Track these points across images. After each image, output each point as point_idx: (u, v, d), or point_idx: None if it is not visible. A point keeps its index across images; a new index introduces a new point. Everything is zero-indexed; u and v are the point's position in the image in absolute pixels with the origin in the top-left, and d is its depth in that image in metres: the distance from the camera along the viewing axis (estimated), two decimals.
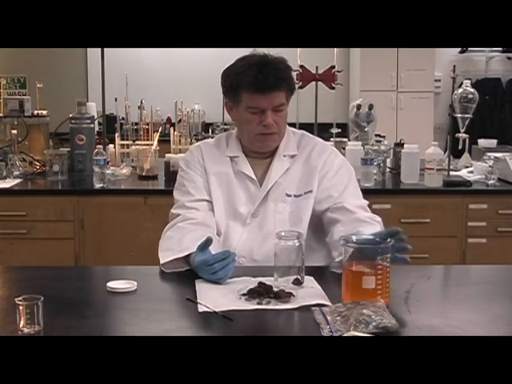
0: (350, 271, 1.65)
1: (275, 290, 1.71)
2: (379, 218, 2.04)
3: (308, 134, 2.22)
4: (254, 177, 2.10)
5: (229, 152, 2.14)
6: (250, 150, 2.12)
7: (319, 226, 2.10)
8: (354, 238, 1.68)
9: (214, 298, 1.70)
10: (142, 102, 4.35)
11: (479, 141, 4.44)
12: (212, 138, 3.67)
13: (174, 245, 1.95)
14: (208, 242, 1.85)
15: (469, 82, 3.93)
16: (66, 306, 1.67)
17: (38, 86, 3.95)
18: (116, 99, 4.14)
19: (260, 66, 1.98)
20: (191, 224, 2.02)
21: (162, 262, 1.93)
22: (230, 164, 2.13)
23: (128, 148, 3.98)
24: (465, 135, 3.92)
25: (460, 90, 3.86)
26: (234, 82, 2.02)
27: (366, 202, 2.12)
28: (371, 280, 1.62)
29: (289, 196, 2.09)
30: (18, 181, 3.54)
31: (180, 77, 6.30)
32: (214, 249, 1.87)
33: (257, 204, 2.08)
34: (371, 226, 1.94)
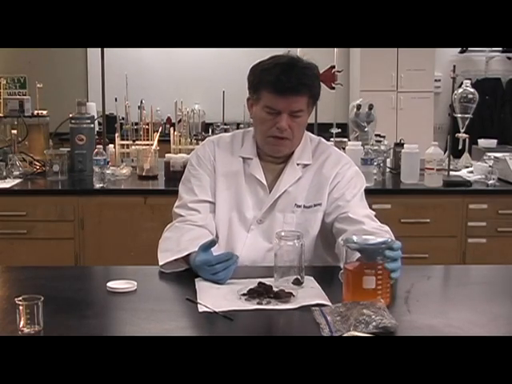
0: (350, 271, 1.65)
1: (275, 290, 1.71)
2: (387, 228, 1.97)
3: (325, 141, 2.18)
4: (264, 182, 2.06)
5: (243, 152, 2.10)
6: (264, 152, 2.08)
7: (331, 239, 2.05)
8: (355, 239, 1.68)
9: (214, 298, 1.70)
10: (142, 102, 4.35)
11: (479, 141, 4.44)
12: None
13: (173, 245, 1.95)
14: (212, 243, 1.85)
15: (469, 81, 3.93)
16: (66, 306, 1.67)
17: (38, 86, 3.95)
18: (116, 99, 4.14)
19: (285, 66, 1.94)
20: (190, 225, 2.02)
21: (161, 263, 1.93)
22: (242, 165, 2.09)
23: (128, 148, 3.97)
24: (465, 135, 3.92)
25: (460, 90, 3.86)
26: (257, 79, 1.98)
27: (373, 213, 2.06)
28: (371, 280, 1.62)
29: (298, 207, 2.04)
30: (18, 181, 3.54)
31: (180, 77, 6.30)
32: (213, 251, 1.87)
33: (264, 210, 2.05)
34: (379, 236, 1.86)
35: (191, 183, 2.10)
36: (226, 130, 4.24)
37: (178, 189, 2.15)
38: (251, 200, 2.06)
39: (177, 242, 1.95)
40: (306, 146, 2.10)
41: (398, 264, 1.69)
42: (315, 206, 2.05)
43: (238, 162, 2.09)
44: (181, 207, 2.09)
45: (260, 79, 1.97)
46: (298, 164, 2.07)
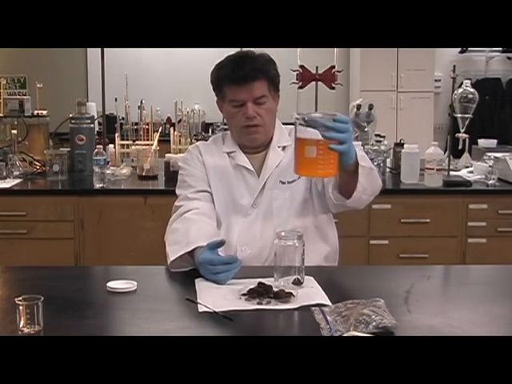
0: (296, 141, 1.77)
1: (275, 290, 1.71)
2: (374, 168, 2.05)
3: None
4: (251, 168, 2.15)
5: (225, 148, 2.19)
6: (244, 145, 2.17)
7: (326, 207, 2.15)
8: (305, 113, 1.77)
9: (214, 298, 1.70)
10: (142, 102, 4.35)
11: (479, 141, 4.44)
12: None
13: (181, 237, 1.96)
14: (220, 243, 1.88)
15: (469, 81, 3.93)
16: (66, 306, 1.67)
17: (38, 86, 3.95)
18: (116, 99, 4.14)
19: (238, 59, 2.08)
20: (195, 214, 2.06)
21: (171, 258, 1.93)
22: (228, 159, 2.18)
23: (128, 148, 3.97)
24: (465, 135, 3.91)
25: (460, 90, 3.86)
26: (216, 78, 2.11)
27: None
28: (312, 150, 1.72)
29: (283, 183, 2.14)
30: (18, 181, 3.54)
31: (180, 77, 6.30)
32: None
33: (256, 195, 2.13)
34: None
35: (186, 182, 2.18)
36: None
37: (176, 193, 2.20)
38: (243, 188, 2.15)
39: (185, 234, 1.97)
40: (281, 130, 2.21)
41: (340, 135, 1.72)
42: (299, 178, 2.13)
43: (223, 157, 2.18)
44: (181, 200, 2.15)
45: (219, 77, 2.10)
46: (278, 147, 2.18)
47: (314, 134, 1.74)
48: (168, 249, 1.98)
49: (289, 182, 2.14)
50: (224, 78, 2.08)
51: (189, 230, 1.99)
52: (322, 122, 1.72)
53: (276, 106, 2.15)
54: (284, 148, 2.18)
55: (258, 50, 2.07)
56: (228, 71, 2.06)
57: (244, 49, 2.08)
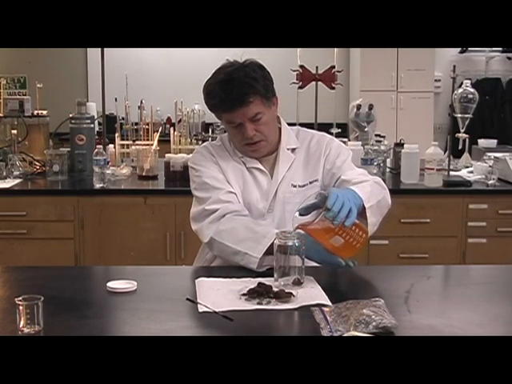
0: (316, 238, 1.80)
1: (275, 290, 1.71)
2: (378, 179, 2.11)
3: (303, 128, 2.27)
4: (265, 170, 2.13)
5: (234, 152, 2.15)
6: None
7: None
8: (297, 214, 1.85)
9: (214, 298, 1.70)
10: (142, 102, 4.34)
11: (479, 141, 4.44)
12: (212, 138, 3.70)
13: (248, 234, 1.96)
14: None
15: (469, 81, 3.92)
16: (66, 306, 1.67)
17: (38, 86, 3.95)
18: (116, 99, 4.13)
19: (223, 83, 1.99)
20: (239, 215, 2.03)
21: (259, 254, 1.91)
22: (240, 161, 2.14)
23: (128, 148, 3.97)
24: (465, 135, 3.91)
25: (460, 90, 3.86)
26: (207, 104, 2.07)
27: (365, 171, 2.19)
28: (337, 238, 1.78)
29: (294, 187, 2.12)
30: (17, 181, 3.54)
31: (180, 77, 6.29)
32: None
33: (270, 199, 2.10)
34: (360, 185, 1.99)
35: (208, 183, 2.09)
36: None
37: (194, 196, 2.13)
38: (257, 192, 2.12)
39: (252, 230, 1.97)
40: (288, 132, 2.19)
41: (343, 211, 1.78)
42: (310, 183, 2.13)
43: (235, 159, 2.15)
44: (214, 203, 2.06)
45: (208, 104, 2.06)
46: (288, 149, 2.15)
47: (320, 220, 1.79)
48: (237, 248, 1.95)
49: (300, 186, 2.12)
50: (213, 107, 2.04)
51: (254, 224, 1.99)
52: (321, 214, 1.78)
53: (275, 111, 2.11)
54: (293, 150, 2.15)
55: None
56: (216, 100, 2.00)
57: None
